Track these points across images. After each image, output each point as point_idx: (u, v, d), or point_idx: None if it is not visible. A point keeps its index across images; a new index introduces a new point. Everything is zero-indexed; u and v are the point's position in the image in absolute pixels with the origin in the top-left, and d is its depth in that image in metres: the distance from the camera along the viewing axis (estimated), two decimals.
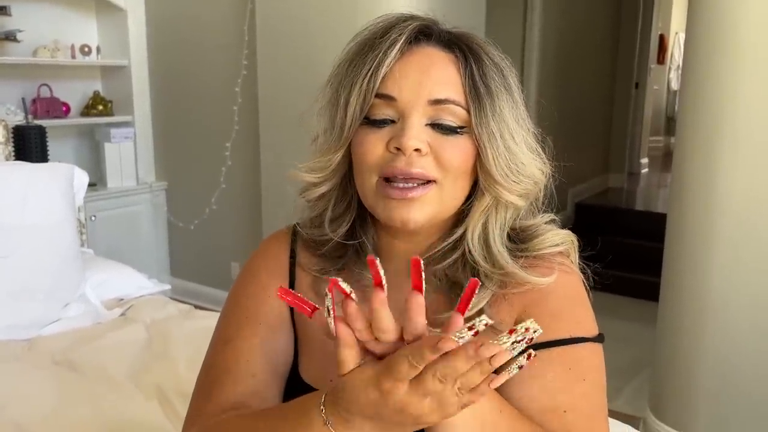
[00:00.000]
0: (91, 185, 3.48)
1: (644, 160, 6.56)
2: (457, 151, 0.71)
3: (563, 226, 0.81)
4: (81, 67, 3.54)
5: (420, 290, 0.52)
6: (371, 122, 0.72)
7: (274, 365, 0.79)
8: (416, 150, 0.69)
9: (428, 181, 0.71)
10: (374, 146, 0.71)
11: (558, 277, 0.74)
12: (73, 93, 3.54)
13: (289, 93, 2.81)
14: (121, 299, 2.14)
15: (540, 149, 0.77)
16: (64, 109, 3.41)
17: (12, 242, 1.85)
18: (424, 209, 0.71)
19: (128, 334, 1.84)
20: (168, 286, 2.44)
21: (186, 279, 3.70)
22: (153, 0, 3.54)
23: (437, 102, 0.70)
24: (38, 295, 1.87)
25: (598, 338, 0.74)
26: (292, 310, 0.82)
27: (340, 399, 0.56)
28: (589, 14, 5.04)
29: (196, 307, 2.21)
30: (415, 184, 0.70)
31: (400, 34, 0.71)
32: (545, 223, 0.79)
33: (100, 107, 3.55)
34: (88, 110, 3.54)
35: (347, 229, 0.80)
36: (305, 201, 0.82)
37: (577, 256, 0.80)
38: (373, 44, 0.71)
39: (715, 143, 1.99)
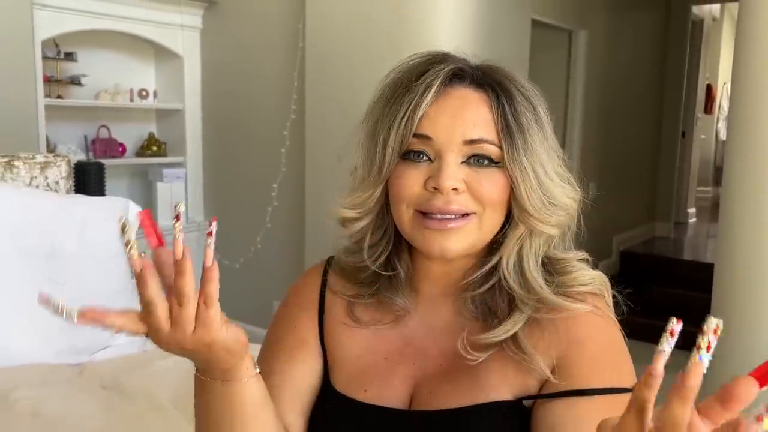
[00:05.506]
0: None
1: (692, 210, 6.44)
2: (493, 185, 0.73)
3: (607, 273, 0.82)
4: (138, 109, 3.71)
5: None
6: (409, 158, 0.75)
7: (299, 399, 0.83)
8: (453, 189, 0.72)
9: (466, 214, 0.73)
10: (412, 183, 0.74)
11: (594, 322, 0.75)
12: (130, 134, 3.70)
13: (335, 137, 2.88)
14: None
15: (570, 178, 0.78)
16: (120, 149, 3.57)
17: (69, 270, 1.92)
18: (463, 240, 0.74)
19: (176, 362, 1.87)
20: None
21: (231, 317, 3.74)
22: (208, 48, 3.70)
23: (471, 142, 0.73)
24: None
25: None
26: (321, 332, 0.86)
27: None
28: (633, 63, 5.05)
29: None
30: (454, 216, 0.73)
31: (435, 78, 0.73)
32: (578, 260, 0.80)
33: (154, 148, 3.70)
34: (142, 151, 3.70)
35: (385, 258, 0.82)
36: (344, 229, 0.85)
37: (611, 297, 0.80)
38: (408, 86, 0.74)
39: (763, 193, 1.97)
